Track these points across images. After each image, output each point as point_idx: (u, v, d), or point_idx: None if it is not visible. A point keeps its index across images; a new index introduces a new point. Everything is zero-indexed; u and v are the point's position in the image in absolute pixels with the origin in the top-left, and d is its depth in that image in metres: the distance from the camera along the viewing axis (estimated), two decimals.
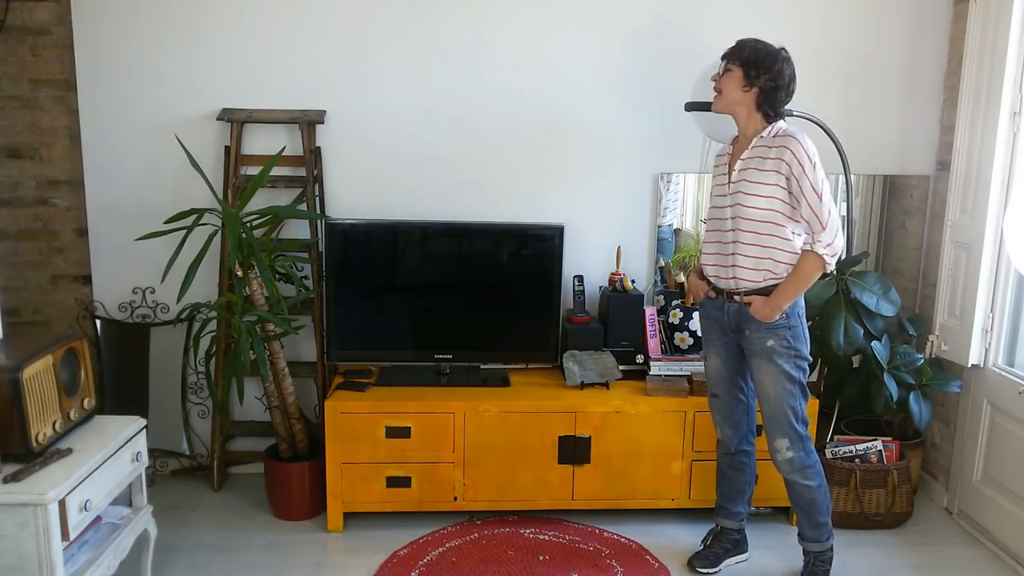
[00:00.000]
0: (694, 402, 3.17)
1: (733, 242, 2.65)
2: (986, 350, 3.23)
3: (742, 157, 2.64)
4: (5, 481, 2.03)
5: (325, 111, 3.39)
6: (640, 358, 3.37)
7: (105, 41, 3.30)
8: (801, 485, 2.74)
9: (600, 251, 3.57)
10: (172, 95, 3.36)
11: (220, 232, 3.11)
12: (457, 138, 3.47)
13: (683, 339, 3.36)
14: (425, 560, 2.96)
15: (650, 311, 3.38)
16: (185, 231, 2.97)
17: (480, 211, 3.50)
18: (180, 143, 3.15)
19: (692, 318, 3.34)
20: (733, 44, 2.64)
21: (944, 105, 3.56)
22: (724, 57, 2.65)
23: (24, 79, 3.34)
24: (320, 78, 3.38)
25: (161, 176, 3.40)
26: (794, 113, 3.12)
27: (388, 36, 3.38)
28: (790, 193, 2.55)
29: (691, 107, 3.18)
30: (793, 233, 2.59)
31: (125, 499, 2.52)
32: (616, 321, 3.38)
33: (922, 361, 3.31)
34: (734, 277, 2.67)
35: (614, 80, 3.47)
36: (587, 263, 3.56)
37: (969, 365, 3.25)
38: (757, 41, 2.62)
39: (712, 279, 2.77)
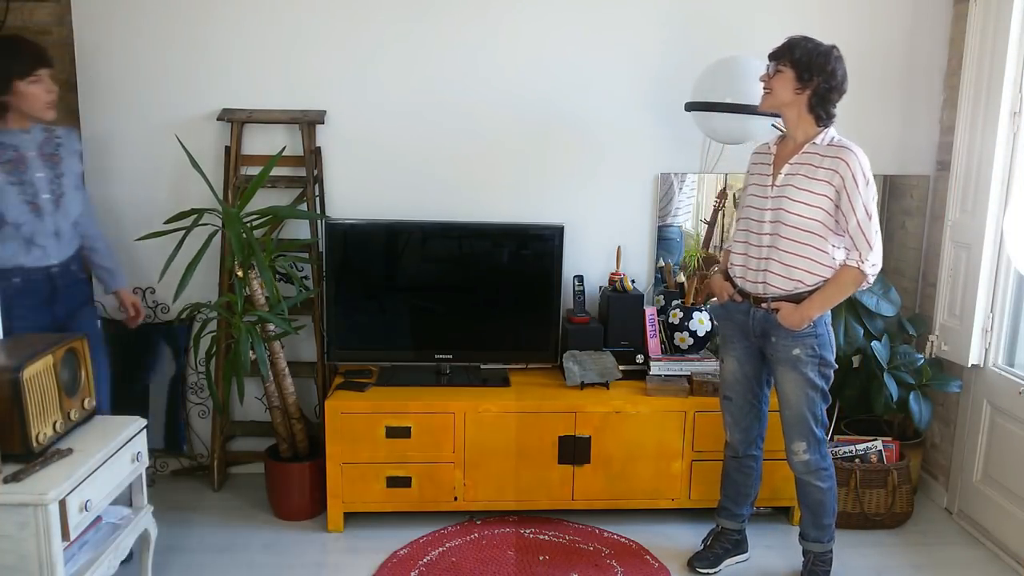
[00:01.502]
0: (694, 402, 3.17)
1: (769, 246, 2.61)
2: (986, 350, 3.23)
3: (791, 161, 2.58)
4: (5, 481, 2.02)
5: (325, 111, 3.39)
6: (640, 358, 3.37)
7: (105, 41, 3.30)
8: (813, 486, 2.74)
9: (600, 251, 3.57)
10: (172, 95, 3.36)
11: (220, 232, 3.11)
12: (457, 138, 3.47)
13: (683, 339, 3.36)
14: (425, 560, 2.96)
15: (650, 311, 3.38)
16: (185, 231, 2.96)
17: (480, 211, 3.50)
18: (180, 143, 3.15)
19: (692, 318, 3.33)
20: (783, 43, 2.55)
21: (944, 105, 3.56)
22: (773, 57, 2.57)
23: None
24: (320, 78, 3.38)
25: (161, 176, 3.40)
26: None
27: (388, 36, 3.38)
28: (837, 206, 2.50)
29: (691, 107, 3.18)
30: (832, 246, 2.56)
31: (125, 499, 2.52)
32: (616, 321, 3.38)
33: (922, 361, 3.31)
34: (764, 282, 2.63)
35: (614, 80, 3.47)
36: (587, 263, 3.56)
37: (969, 365, 3.25)
38: (807, 40, 2.53)
39: (738, 280, 2.73)
